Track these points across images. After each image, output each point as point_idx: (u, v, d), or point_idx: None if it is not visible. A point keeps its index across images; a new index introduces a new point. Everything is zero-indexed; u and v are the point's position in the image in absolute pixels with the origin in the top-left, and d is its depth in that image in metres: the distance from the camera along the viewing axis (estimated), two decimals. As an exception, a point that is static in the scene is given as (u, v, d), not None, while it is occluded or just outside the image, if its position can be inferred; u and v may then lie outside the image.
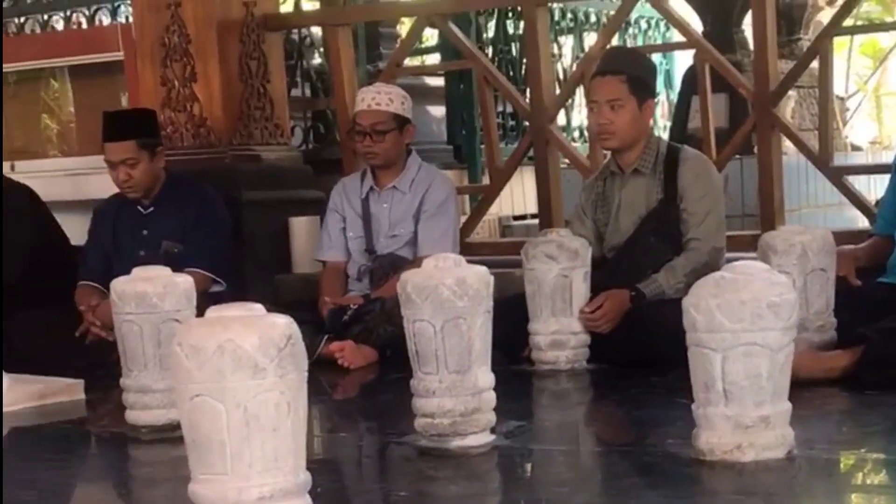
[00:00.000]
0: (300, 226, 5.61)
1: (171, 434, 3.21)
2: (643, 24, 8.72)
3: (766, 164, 5.14)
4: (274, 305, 3.41)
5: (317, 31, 6.88)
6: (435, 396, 3.04)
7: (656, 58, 7.58)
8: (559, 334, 4.17)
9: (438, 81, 7.62)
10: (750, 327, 2.75)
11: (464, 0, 6.15)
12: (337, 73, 5.90)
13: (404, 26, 7.91)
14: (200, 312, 2.50)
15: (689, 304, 2.83)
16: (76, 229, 5.39)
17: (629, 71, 4.35)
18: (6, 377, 4.12)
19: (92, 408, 4.07)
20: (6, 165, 6.39)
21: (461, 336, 3.03)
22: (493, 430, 3.11)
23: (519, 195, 7.28)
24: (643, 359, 4.03)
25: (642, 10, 8.01)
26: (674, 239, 4.33)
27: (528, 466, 3.12)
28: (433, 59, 8.41)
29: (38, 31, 7.33)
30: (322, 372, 4.25)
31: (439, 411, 3.04)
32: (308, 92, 6.85)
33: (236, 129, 5.74)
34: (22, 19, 7.35)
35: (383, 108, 4.91)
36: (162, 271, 3.55)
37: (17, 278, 5.04)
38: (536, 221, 5.73)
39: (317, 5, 7.13)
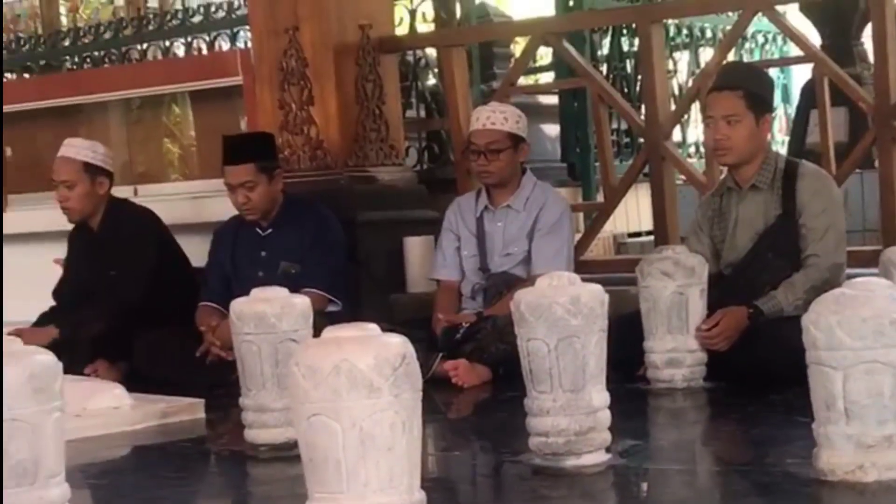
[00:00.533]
0: (415, 245, 5.63)
1: (288, 452, 3.23)
2: (760, 39, 8.61)
3: (888, 178, 5.02)
4: (389, 324, 3.44)
5: (431, 52, 6.91)
6: (549, 415, 3.03)
7: (773, 72, 7.46)
8: (675, 352, 4.14)
9: (552, 100, 7.60)
10: (872, 345, 2.69)
11: (578, 18, 6.14)
12: (451, 93, 5.92)
13: (518, 45, 7.91)
14: (317, 332, 2.52)
15: (809, 322, 2.77)
16: (196, 251, 5.49)
17: (746, 86, 4.30)
18: (131, 397, 4.21)
19: (212, 426, 4.14)
20: (129, 190, 6.55)
21: (575, 354, 3.01)
22: (608, 450, 3.09)
23: (634, 212, 7.22)
24: (761, 376, 3.97)
25: (759, 24, 7.89)
26: (792, 255, 4.26)
27: (644, 486, 3.09)
28: (547, 77, 8.39)
29: (159, 57, 7.49)
30: (436, 390, 4.26)
31: (554, 430, 3.02)
32: (423, 113, 6.89)
33: (352, 150, 5.78)
34: (144, 46, 7.53)
35: (498, 126, 4.92)
36: (280, 292, 3.59)
37: (140, 300, 5.16)
38: (652, 238, 5.68)
39: (431, 27, 7.16)
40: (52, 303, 5.49)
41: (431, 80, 7.18)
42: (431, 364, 4.49)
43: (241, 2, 6.82)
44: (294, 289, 3.86)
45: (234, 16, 6.94)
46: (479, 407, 4.36)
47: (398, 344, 2.39)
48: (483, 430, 3.99)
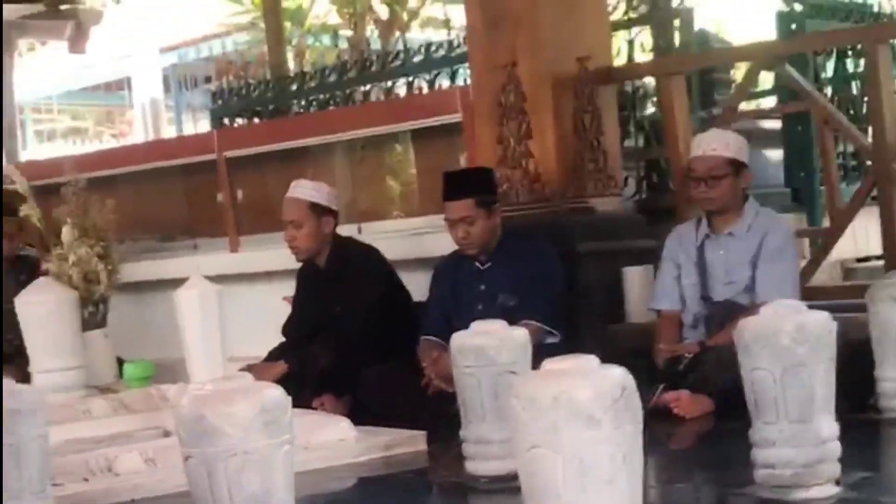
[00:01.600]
0: (634, 275, 5.57)
1: (508, 484, 3.23)
2: None
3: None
4: (608, 356, 3.40)
5: (650, 80, 6.85)
6: (775, 447, 2.95)
7: None
8: (909, 381, 3.97)
9: (775, 124, 7.41)
10: None
11: (800, 41, 5.97)
12: (670, 121, 5.84)
13: (738, 70, 7.76)
14: (536, 364, 2.52)
15: None
16: (418, 286, 5.56)
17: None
18: (356, 430, 4.28)
19: (434, 458, 4.16)
20: (354, 228, 6.70)
21: (802, 384, 2.92)
22: (837, 482, 2.99)
23: (862, 236, 6.95)
24: None
25: None
26: None
27: (878, 521, 2.97)
28: (769, 101, 8.20)
29: (382, 97, 7.65)
30: (657, 422, 4.20)
31: (780, 462, 2.94)
32: (641, 142, 6.82)
33: (570, 182, 5.76)
34: (367, 87, 7.71)
35: (719, 153, 4.83)
36: (499, 325, 3.61)
37: (364, 335, 5.26)
38: (881, 263, 5.46)
39: (650, 56, 7.09)
40: (282, 339, 5.65)
41: (650, 109, 7.11)
42: (652, 395, 4.42)
43: (461, 40, 6.91)
44: (513, 321, 3.86)
45: (453, 54, 7.03)
46: (702, 438, 4.27)
47: (618, 375, 2.37)
48: (706, 461, 3.90)
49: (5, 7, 9.44)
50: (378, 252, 5.59)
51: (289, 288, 5.90)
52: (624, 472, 2.31)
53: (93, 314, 5.40)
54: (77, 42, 10.80)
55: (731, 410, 3.87)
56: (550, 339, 4.90)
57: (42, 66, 17.84)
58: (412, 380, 4.91)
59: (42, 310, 5.08)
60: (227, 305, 4.51)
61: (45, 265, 5.39)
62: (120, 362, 5.61)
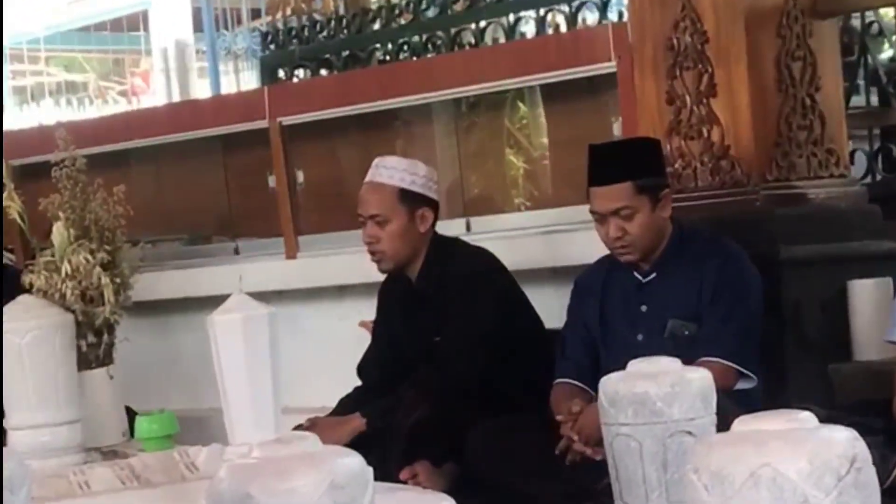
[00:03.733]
0: (864, 291, 5.52)
1: None
2: None
3: None
4: (829, 410, 3.35)
5: (888, 12, 6.75)
6: None
7: None
8: None
9: None
10: None
11: None
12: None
13: None
14: (723, 422, 2.50)
15: None
16: (551, 307, 5.57)
17: None
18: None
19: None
20: (460, 224, 6.70)
21: None
22: None
23: None
24: None
25: None
26: None
27: None
28: None
29: (501, 39, 7.65)
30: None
31: None
32: (874, 100, 6.73)
33: (771, 158, 5.72)
34: (481, 24, 7.70)
35: None
36: (669, 364, 3.59)
37: (475, 376, 5.28)
38: None
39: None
40: (357, 382, 5.69)
41: (887, 52, 7.02)
42: (894, 467, 4.36)
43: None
44: (688, 359, 3.82)
45: (605, -24, 7.05)
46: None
47: (844, 440, 2.35)
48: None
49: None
50: (495, 259, 5.61)
51: (368, 310, 5.93)
52: (854, 578, 2.28)
53: (93, 346, 5.46)
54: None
55: None
56: (743, 385, 4.86)
57: (26, -1, 18.17)
58: (541, 441, 4.89)
59: (22, 341, 5.13)
60: (281, 335, 4.52)
61: (28, 277, 5.46)
62: (131, 414, 5.67)
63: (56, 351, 5.17)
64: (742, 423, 2.42)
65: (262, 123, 7.51)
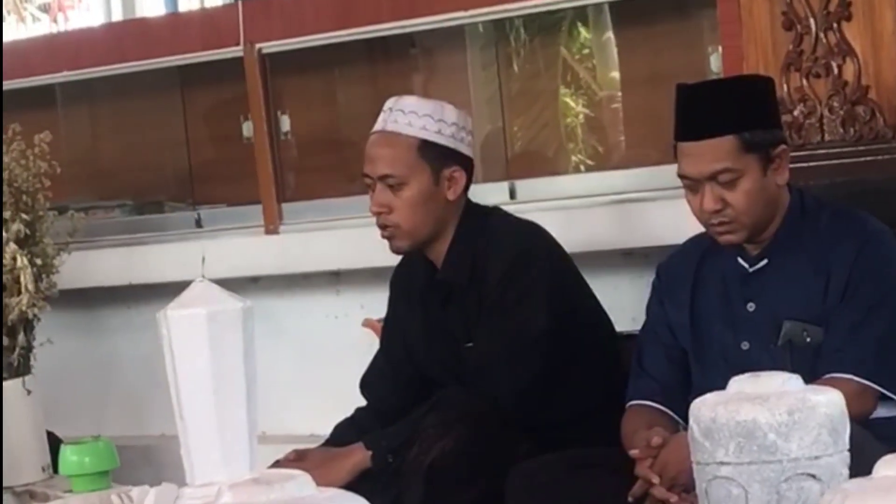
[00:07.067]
0: None
1: None
2: None
3: None
4: None
5: None
6: None
7: None
8: None
9: None
10: None
11: None
12: None
13: None
14: (862, 463, 2.48)
15: None
16: (624, 303, 5.59)
17: None
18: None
19: None
20: (502, 189, 6.69)
21: None
22: None
23: None
24: None
25: None
26: None
27: None
28: None
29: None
30: None
31: None
32: None
33: (925, 106, 5.71)
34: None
35: None
36: (785, 382, 3.59)
37: (519, 394, 5.28)
38: None
39: None
40: (359, 402, 5.70)
41: None
42: None
43: None
44: (813, 374, 3.81)
45: None
46: None
47: None
48: None
49: None
50: (547, 237, 5.60)
51: (375, 304, 5.92)
52: None
53: (6, 350, 5.48)
54: None
55: None
56: (887, 412, 4.85)
57: None
58: (608, 485, 4.90)
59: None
60: (258, 337, 4.51)
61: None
62: (55, 442, 5.68)
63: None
64: (886, 465, 2.41)
65: (234, 51, 7.56)
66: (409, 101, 5.61)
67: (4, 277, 5.38)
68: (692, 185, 5.01)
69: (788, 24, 5.77)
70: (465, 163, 5.52)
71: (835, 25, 5.72)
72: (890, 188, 5.53)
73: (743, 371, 3.71)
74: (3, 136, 5.55)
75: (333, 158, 7.30)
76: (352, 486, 4.84)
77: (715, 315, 5.11)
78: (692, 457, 3.65)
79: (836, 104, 5.73)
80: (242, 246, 7.29)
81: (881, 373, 4.86)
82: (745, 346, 4.95)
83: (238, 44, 7.46)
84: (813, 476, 3.45)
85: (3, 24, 8.54)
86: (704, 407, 3.62)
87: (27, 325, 5.51)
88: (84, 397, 6.87)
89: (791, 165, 5.11)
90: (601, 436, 5.11)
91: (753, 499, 3.53)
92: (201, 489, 3.97)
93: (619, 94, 7.09)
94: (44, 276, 5.53)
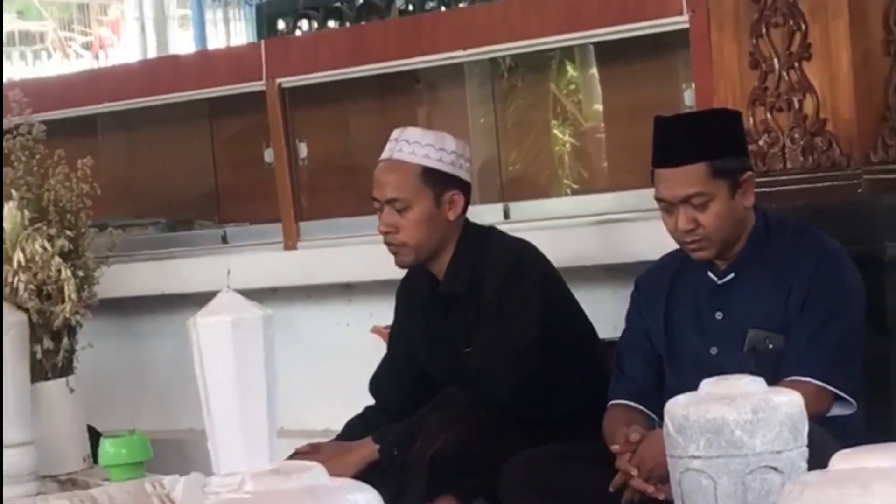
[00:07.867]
0: None
1: None
2: None
3: None
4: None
5: None
6: None
7: None
8: None
9: None
10: None
11: None
12: None
13: None
14: (817, 458, 2.49)
15: None
16: (606, 313, 5.58)
17: None
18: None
19: None
20: (496, 210, 6.70)
21: None
22: None
23: None
24: None
25: None
26: None
27: None
28: None
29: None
30: None
31: None
32: None
33: (877, 135, 5.70)
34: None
35: None
36: (748, 385, 3.58)
37: (512, 395, 5.27)
38: None
39: None
40: (368, 400, 5.69)
41: None
42: None
43: None
44: (773, 378, 3.81)
45: None
46: None
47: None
48: None
49: None
50: (539, 254, 5.60)
51: (383, 313, 5.92)
52: None
53: (51, 353, 5.48)
54: None
55: None
56: (840, 411, 4.84)
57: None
58: (592, 476, 4.88)
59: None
60: (278, 342, 4.52)
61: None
62: (95, 436, 5.68)
63: (5, 358, 5.17)
64: (841, 459, 2.41)
65: (257, 85, 7.53)
66: (413, 132, 5.62)
67: (50, 289, 5.39)
68: (668, 207, 5.02)
69: (754, 63, 5.76)
70: (464, 187, 5.54)
71: (796, 65, 5.70)
72: (845, 210, 5.52)
73: (712, 374, 3.72)
74: (50, 160, 5.55)
75: (346, 181, 7.30)
76: (361, 476, 4.82)
77: (687, 323, 5.12)
78: (667, 451, 3.65)
79: (797, 135, 5.72)
80: (264, 260, 7.28)
81: (836, 376, 4.86)
82: (713, 351, 4.97)
83: (261, 78, 7.45)
84: (775, 469, 3.46)
85: (41, 60, 8.57)
86: (678, 406, 3.63)
87: (70, 330, 5.50)
88: (121, 395, 6.86)
89: (756, 190, 5.12)
90: (586, 432, 5.10)
91: (722, 489, 3.53)
92: (226, 478, 4.00)
93: (603, 125, 7.08)
94: (85, 286, 5.51)
